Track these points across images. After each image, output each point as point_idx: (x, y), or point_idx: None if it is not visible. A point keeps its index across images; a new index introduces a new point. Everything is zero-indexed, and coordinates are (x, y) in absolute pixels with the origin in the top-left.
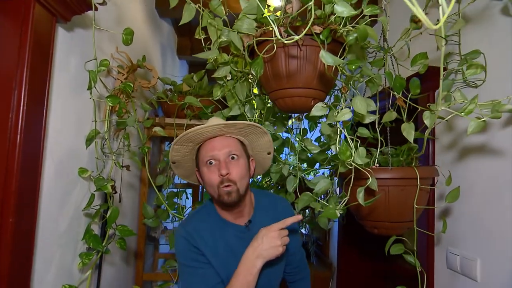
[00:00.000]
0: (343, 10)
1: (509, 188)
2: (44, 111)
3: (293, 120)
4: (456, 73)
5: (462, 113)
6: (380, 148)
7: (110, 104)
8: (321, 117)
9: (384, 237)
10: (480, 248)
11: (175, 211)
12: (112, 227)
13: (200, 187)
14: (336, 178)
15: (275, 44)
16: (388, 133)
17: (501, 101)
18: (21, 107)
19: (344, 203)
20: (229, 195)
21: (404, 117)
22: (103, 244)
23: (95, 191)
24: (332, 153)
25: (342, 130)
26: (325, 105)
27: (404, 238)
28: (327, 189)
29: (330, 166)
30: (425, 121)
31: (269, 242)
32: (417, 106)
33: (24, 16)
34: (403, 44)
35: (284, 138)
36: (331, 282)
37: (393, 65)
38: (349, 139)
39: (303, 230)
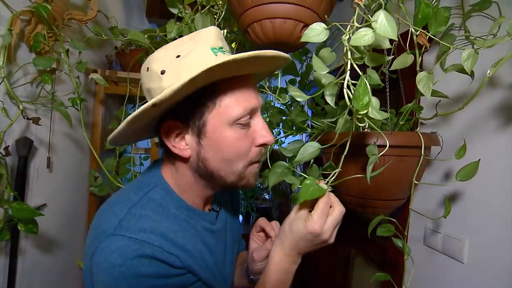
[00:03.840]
0: None
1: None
2: None
3: None
4: (459, 30)
5: None
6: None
7: None
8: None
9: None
10: (470, 226)
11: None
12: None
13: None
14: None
15: None
16: (387, 90)
17: None
18: None
19: (333, 177)
20: (256, 177)
21: (418, 63)
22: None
23: None
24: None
25: (354, 64)
26: (327, 27)
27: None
28: (313, 157)
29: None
30: (464, 64)
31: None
32: (443, 43)
33: None
34: None
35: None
36: None
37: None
38: (365, 80)
39: (266, 196)
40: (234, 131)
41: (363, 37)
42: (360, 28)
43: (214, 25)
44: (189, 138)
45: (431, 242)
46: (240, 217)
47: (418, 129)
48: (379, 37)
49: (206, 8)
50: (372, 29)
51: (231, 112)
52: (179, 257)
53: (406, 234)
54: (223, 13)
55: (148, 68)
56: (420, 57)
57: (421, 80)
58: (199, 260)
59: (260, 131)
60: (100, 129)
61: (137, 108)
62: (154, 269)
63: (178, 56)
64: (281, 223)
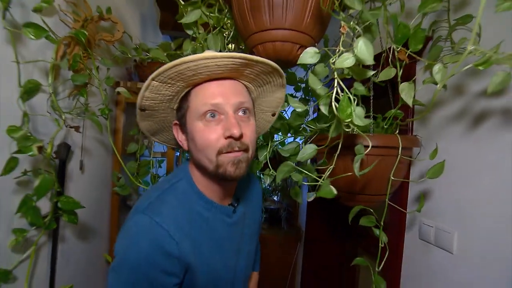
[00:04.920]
0: None
1: (492, 166)
2: None
3: None
4: (445, 41)
5: (481, 67)
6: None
7: (32, 37)
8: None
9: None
10: (459, 220)
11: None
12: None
13: (176, 153)
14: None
15: None
16: (371, 99)
17: None
18: None
19: (328, 173)
20: (238, 165)
21: (399, 75)
22: (47, 218)
23: (14, 153)
24: (308, 119)
25: (340, 81)
26: (318, 51)
27: (368, 209)
28: (311, 157)
29: (306, 133)
30: (434, 76)
31: None
32: (420, 59)
33: None
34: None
35: None
36: (299, 245)
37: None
38: (349, 94)
39: (275, 198)
40: (202, 123)
41: (346, 60)
42: (344, 52)
43: (224, 43)
44: (183, 134)
45: (425, 236)
46: None
47: (397, 131)
48: (359, 59)
49: (217, 29)
50: (354, 53)
51: (197, 108)
52: (179, 243)
53: (382, 223)
54: (231, 33)
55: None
56: (401, 70)
57: (404, 90)
58: (197, 249)
59: (227, 125)
60: (121, 134)
61: None
62: (144, 255)
63: None
64: (288, 223)
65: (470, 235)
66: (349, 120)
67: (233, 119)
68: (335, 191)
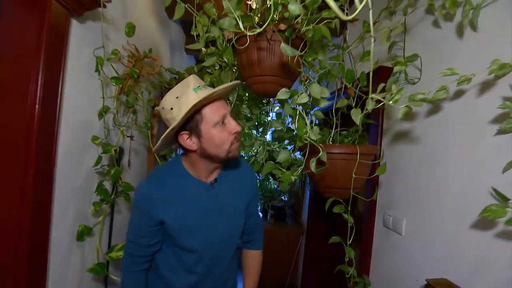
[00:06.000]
0: (295, 8)
1: (429, 165)
2: (59, 88)
3: (271, 102)
4: (400, 73)
5: (390, 102)
6: (335, 129)
7: (114, 84)
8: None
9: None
10: (407, 210)
11: None
12: (118, 184)
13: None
14: (298, 152)
15: (248, 38)
16: (339, 118)
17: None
18: (39, 83)
19: (300, 171)
20: (238, 149)
21: (353, 104)
22: (112, 196)
23: (101, 153)
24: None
25: (300, 111)
26: (288, 91)
27: (341, 200)
28: (288, 159)
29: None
30: (367, 107)
31: None
32: (362, 95)
33: (42, 10)
34: (358, 44)
35: (267, 121)
36: (302, 237)
37: (350, 62)
38: (306, 118)
39: (283, 197)
40: (216, 129)
41: (303, 98)
42: (303, 92)
43: (234, 78)
44: (194, 139)
45: (386, 223)
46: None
47: (355, 142)
48: (313, 96)
49: (228, 67)
50: (309, 93)
51: (212, 119)
52: (154, 198)
53: (349, 209)
54: (237, 71)
55: (163, 107)
56: (354, 100)
57: (353, 113)
58: (170, 202)
59: (231, 125)
60: (155, 139)
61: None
62: (138, 201)
63: (177, 97)
64: (293, 219)
65: (413, 221)
66: (306, 135)
67: (234, 121)
68: (292, 179)
